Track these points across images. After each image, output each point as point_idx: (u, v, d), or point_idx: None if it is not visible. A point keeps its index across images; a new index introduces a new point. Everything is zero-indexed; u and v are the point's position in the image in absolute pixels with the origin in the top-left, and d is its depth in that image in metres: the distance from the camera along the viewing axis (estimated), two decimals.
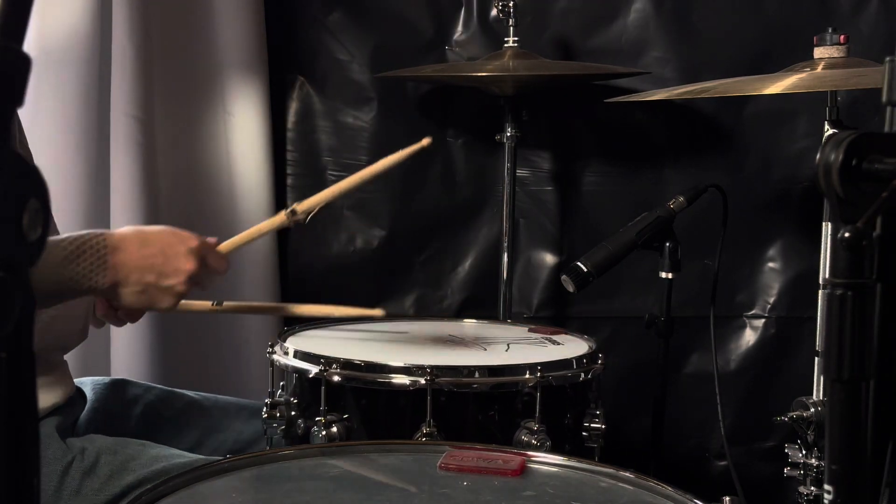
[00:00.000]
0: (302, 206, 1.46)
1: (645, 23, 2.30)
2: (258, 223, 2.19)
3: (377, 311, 1.64)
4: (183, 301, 1.37)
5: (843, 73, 1.65)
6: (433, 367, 1.40)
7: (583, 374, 1.51)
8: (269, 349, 1.57)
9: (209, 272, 1.35)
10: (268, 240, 2.22)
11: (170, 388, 1.73)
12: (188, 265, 1.30)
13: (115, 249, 1.25)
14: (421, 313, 2.36)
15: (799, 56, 1.78)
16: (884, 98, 0.74)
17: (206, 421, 1.67)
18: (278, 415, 1.52)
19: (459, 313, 2.34)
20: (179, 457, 1.42)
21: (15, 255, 0.53)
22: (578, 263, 1.71)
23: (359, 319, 1.83)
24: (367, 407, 1.48)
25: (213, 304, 1.59)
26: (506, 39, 2.13)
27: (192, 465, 1.38)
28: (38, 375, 0.57)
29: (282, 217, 1.46)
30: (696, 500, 1.04)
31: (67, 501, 1.35)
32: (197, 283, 1.33)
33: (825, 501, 0.70)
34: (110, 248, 1.24)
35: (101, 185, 2.08)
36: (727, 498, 1.06)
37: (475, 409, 1.46)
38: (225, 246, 1.44)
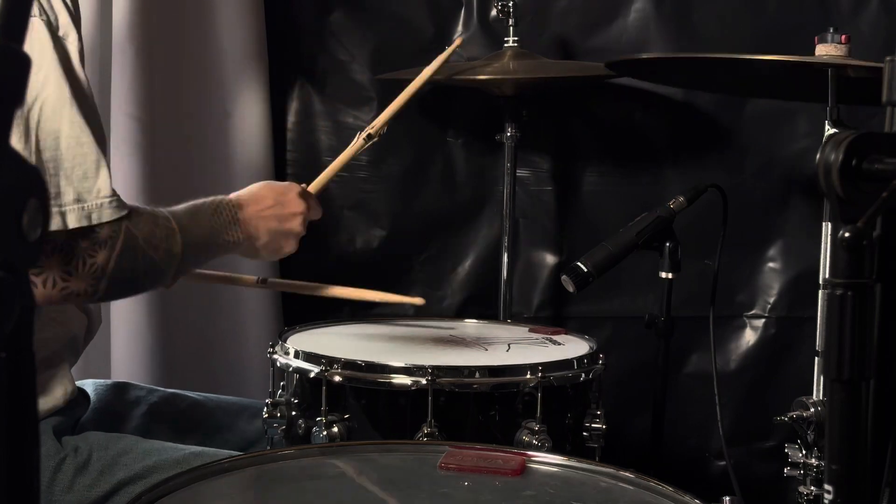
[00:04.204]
0: (374, 127, 1.70)
1: (645, 23, 2.30)
2: None
3: (417, 300, 1.73)
4: (231, 274, 1.58)
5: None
6: (434, 368, 1.40)
7: (583, 375, 1.51)
8: (270, 349, 1.57)
9: (311, 215, 1.52)
10: None
11: (171, 390, 1.73)
12: (300, 207, 1.48)
13: (240, 207, 1.42)
14: (421, 313, 2.36)
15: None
16: (884, 98, 0.74)
17: (207, 422, 1.67)
18: (279, 415, 1.52)
19: (459, 313, 2.34)
20: (173, 450, 1.42)
21: (15, 255, 0.53)
22: (578, 263, 1.70)
23: (360, 318, 1.85)
24: (368, 407, 1.48)
25: (257, 281, 1.74)
26: (506, 39, 2.12)
27: (184, 459, 1.38)
28: (37, 377, 0.57)
29: (359, 142, 1.69)
30: (696, 500, 1.04)
31: (59, 498, 1.35)
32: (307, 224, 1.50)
33: (825, 501, 0.70)
34: (236, 206, 1.42)
35: None
36: (727, 498, 1.06)
37: (476, 410, 1.46)
38: (313, 188, 1.61)
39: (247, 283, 1.77)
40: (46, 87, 1.19)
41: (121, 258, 1.25)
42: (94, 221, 1.22)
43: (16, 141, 1.18)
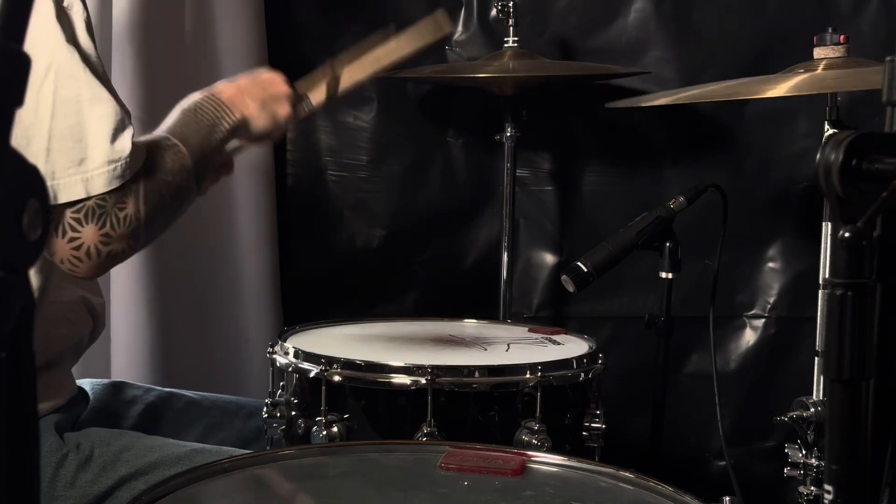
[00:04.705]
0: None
1: (645, 23, 2.30)
2: (257, 224, 2.21)
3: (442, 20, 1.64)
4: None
5: (843, 73, 1.65)
6: (434, 367, 1.40)
7: (583, 374, 1.51)
8: (270, 349, 1.57)
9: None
10: (267, 238, 2.22)
11: (168, 389, 1.73)
12: (277, 75, 1.46)
13: (220, 91, 1.39)
14: (420, 313, 2.36)
15: (799, 56, 1.78)
16: (884, 98, 0.74)
17: (206, 421, 1.67)
18: (279, 414, 1.52)
19: (459, 313, 2.34)
20: (175, 446, 1.42)
21: (15, 255, 0.53)
22: (578, 263, 1.70)
23: (360, 318, 1.86)
24: (367, 407, 1.48)
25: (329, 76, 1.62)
26: (506, 39, 2.12)
27: (186, 455, 1.38)
28: (39, 376, 0.57)
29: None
30: (696, 500, 1.04)
31: (62, 493, 1.35)
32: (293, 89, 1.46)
33: (825, 501, 0.70)
34: (216, 92, 1.39)
35: None
36: (727, 498, 1.06)
37: (476, 409, 1.46)
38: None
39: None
40: (56, 55, 1.19)
41: (147, 198, 1.23)
42: (127, 179, 1.20)
43: (37, 112, 1.17)
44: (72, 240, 1.20)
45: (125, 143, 1.21)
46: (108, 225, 1.20)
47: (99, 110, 1.21)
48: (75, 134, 1.19)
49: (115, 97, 1.24)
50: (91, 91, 1.20)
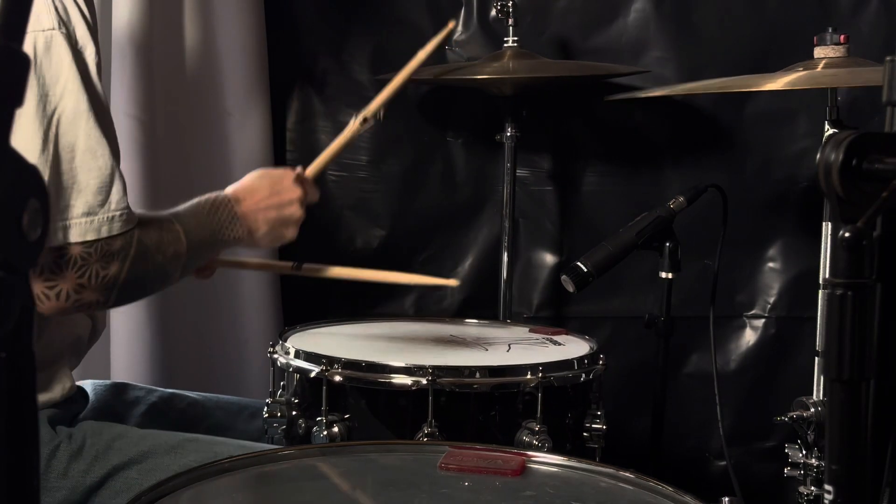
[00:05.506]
0: (370, 111, 1.66)
1: (645, 23, 2.30)
2: None
3: (452, 281, 1.76)
4: (267, 261, 1.63)
5: (843, 72, 1.65)
6: (434, 368, 1.40)
7: (584, 375, 1.51)
8: (271, 349, 1.57)
9: (308, 199, 1.53)
10: None
11: (171, 390, 1.73)
12: (297, 193, 1.49)
13: (237, 202, 1.43)
14: (421, 313, 2.36)
15: (799, 56, 1.78)
16: (884, 98, 0.74)
17: (207, 421, 1.67)
18: (279, 414, 1.52)
19: (459, 313, 2.34)
20: (167, 436, 1.42)
21: (15, 255, 0.53)
22: (578, 263, 1.70)
23: (361, 318, 1.86)
24: (368, 407, 1.48)
25: (292, 267, 1.71)
26: (506, 39, 2.12)
27: (179, 445, 1.39)
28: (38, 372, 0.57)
29: (355, 126, 1.66)
30: (696, 500, 1.04)
31: (54, 484, 1.35)
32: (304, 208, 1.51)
33: (825, 501, 0.70)
34: (234, 201, 1.43)
35: None
36: (727, 498, 1.06)
37: (476, 410, 1.46)
38: (310, 172, 1.62)
39: (282, 269, 1.81)
40: (64, 99, 1.22)
41: (132, 268, 1.27)
42: (104, 235, 1.24)
43: (37, 155, 1.20)
44: (48, 279, 1.23)
45: (108, 198, 1.25)
46: (86, 276, 1.23)
47: (91, 163, 1.24)
48: (65, 181, 1.23)
49: (114, 151, 1.27)
50: (88, 142, 1.24)
